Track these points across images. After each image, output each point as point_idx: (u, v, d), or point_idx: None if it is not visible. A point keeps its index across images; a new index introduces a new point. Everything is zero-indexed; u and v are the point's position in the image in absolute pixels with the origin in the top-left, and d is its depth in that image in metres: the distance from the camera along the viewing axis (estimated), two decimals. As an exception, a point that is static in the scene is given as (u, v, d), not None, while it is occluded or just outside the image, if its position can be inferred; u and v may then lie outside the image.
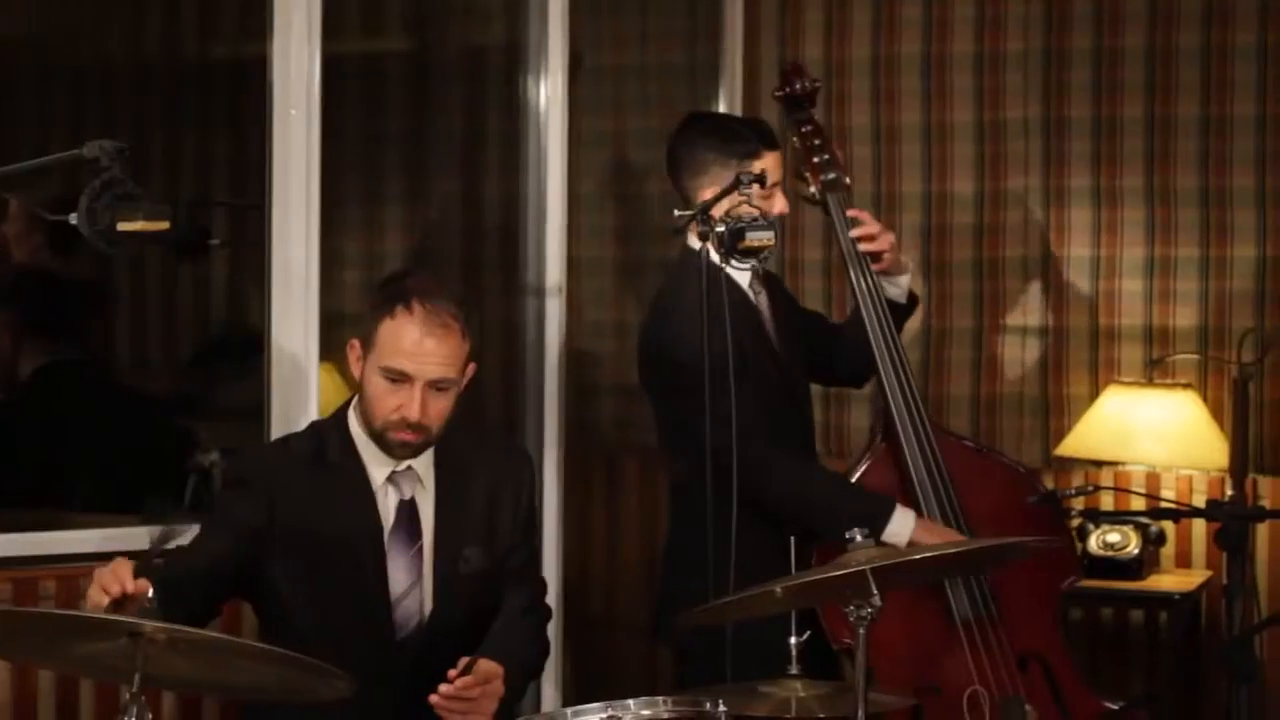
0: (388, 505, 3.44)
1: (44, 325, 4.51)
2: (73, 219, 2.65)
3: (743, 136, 4.02)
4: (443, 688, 3.18)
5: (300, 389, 4.15)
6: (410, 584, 3.43)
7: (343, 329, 5.36)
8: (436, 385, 3.36)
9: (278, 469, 3.44)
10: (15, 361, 4.45)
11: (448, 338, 3.35)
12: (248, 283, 4.95)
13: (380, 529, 3.42)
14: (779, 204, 4.04)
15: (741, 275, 4.02)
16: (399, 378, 3.34)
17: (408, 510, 3.45)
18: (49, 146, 2.84)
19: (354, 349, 3.43)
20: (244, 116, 4.60)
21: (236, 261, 5.09)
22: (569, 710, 3.11)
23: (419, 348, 3.33)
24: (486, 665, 3.26)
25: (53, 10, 4.96)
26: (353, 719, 3.10)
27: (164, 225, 2.67)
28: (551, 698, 4.64)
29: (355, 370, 3.43)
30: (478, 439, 3.61)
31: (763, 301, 4.12)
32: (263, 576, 3.39)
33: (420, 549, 3.44)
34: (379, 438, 3.40)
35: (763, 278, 4.12)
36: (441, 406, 3.38)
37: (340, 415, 3.50)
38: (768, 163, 3.99)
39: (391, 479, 3.44)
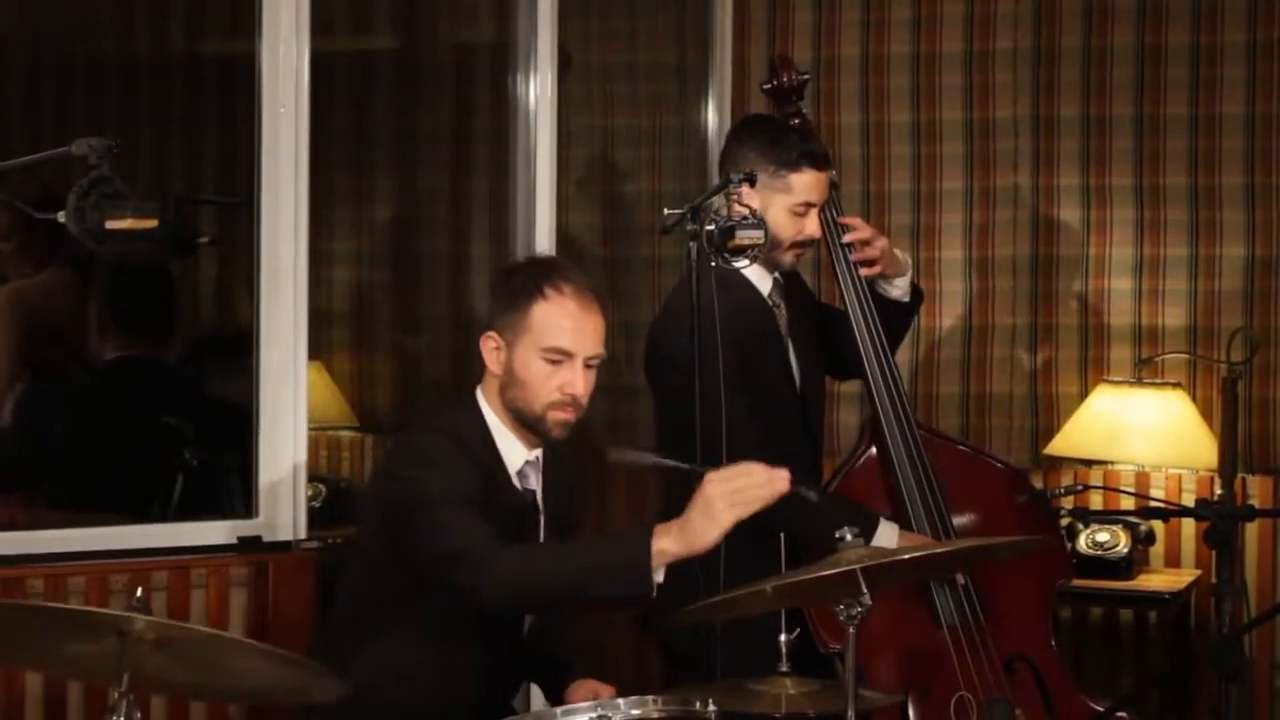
0: None
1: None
2: (60, 217, 2.64)
3: (788, 145, 3.96)
4: None
5: (289, 387, 4.14)
6: None
7: (332, 327, 5.38)
8: (589, 362, 3.38)
9: (458, 450, 3.36)
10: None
11: (599, 313, 3.40)
12: (236, 280, 4.94)
13: (531, 514, 3.44)
14: (810, 226, 3.98)
15: (762, 282, 4.00)
16: (561, 357, 3.35)
17: (531, 500, 3.46)
18: (37, 144, 2.83)
19: (492, 339, 3.40)
20: (232, 114, 4.59)
21: (225, 259, 5.09)
22: (559, 710, 3.12)
23: (578, 324, 3.36)
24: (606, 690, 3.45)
25: (41, 7, 4.95)
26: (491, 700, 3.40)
27: (152, 223, 2.67)
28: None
29: (493, 362, 3.40)
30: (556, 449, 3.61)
31: (782, 313, 4.07)
32: None
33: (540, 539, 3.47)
34: (537, 422, 3.37)
35: (783, 288, 4.09)
36: (592, 384, 3.40)
37: (470, 406, 3.45)
38: (808, 180, 3.95)
39: (522, 470, 3.44)
